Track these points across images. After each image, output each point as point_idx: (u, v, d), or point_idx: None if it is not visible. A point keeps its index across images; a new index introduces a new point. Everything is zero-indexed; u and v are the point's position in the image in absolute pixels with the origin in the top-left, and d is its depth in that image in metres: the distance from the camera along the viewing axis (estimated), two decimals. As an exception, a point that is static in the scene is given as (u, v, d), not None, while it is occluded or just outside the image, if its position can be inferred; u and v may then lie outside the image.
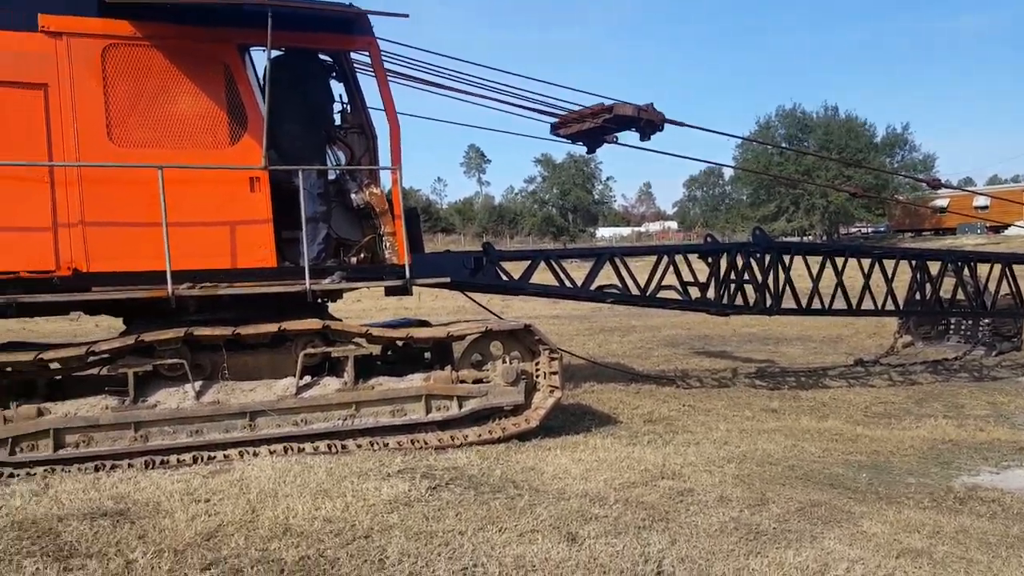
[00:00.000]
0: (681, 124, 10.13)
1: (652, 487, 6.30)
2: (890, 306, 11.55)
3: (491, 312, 9.72)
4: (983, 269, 12.36)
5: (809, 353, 14.60)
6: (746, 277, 10.56)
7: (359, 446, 7.20)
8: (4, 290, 6.51)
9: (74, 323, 15.90)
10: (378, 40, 7.89)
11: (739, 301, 10.65)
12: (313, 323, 7.29)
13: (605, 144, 10.31)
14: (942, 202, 58.67)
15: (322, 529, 5.18)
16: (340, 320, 7.66)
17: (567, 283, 9.89)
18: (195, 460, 6.81)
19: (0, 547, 4.83)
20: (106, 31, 6.89)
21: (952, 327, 14.47)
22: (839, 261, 11.11)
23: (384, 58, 8.04)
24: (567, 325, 18.94)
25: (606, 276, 10.11)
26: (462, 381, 7.69)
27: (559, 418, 8.45)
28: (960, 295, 12.02)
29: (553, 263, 9.85)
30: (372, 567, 4.62)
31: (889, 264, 11.48)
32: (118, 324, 7.74)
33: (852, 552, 4.97)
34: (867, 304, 11.25)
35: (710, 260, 10.58)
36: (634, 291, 10.17)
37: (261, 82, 7.56)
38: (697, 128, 10.47)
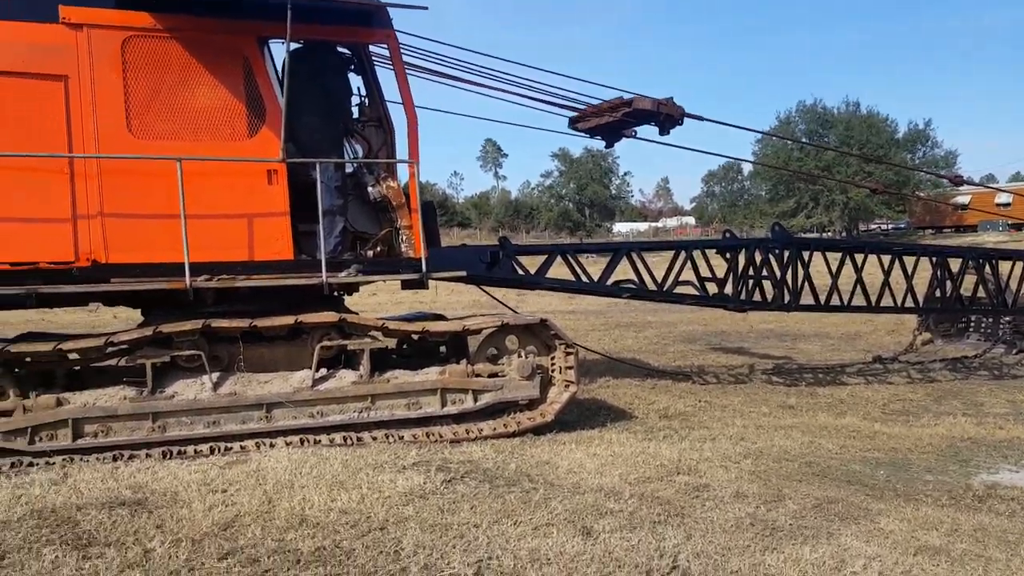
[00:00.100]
0: (700, 118, 10.07)
1: (668, 482, 6.28)
2: (910, 303, 11.45)
3: (507, 307, 9.72)
4: (1004, 267, 12.24)
5: (827, 350, 14.51)
6: (764, 273, 10.50)
7: (374, 438, 7.22)
8: (24, 281, 6.57)
9: (92, 314, 16.01)
10: (396, 32, 7.89)
11: (757, 297, 10.60)
12: (329, 316, 7.31)
13: (623, 138, 10.28)
14: (964, 199, 58.21)
15: (338, 520, 5.20)
16: (356, 313, 7.68)
17: (583, 278, 9.86)
18: (212, 451, 6.86)
19: (20, 535, 4.88)
20: (126, 23, 6.93)
21: (972, 325, 14.34)
22: (859, 257, 11.05)
23: (402, 51, 8.04)
24: (583, 320, 18.91)
25: (622, 271, 10.07)
26: (477, 375, 7.69)
27: (574, 413, 8.44)
28: (981, 292, 11.91)
29: (569, 258, 9.82)
30: (387, 558, 4.63)
31: (909, 261, 11.39)
32: (136, 315, 7.79)
33: (869, 549, 4.93)
34: (886, 301, 11.17)
35: (728, 256, 10.52)
36: (651, 286, 10.14)
37: (280, 75, 7.58)
38: (717, 122, 10.43)
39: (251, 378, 7.17)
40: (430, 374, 7.62)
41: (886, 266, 11.12)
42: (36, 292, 6.58)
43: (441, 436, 7.40)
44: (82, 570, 4.40)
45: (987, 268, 11.89)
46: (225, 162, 7.14)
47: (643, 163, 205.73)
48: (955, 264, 11.69)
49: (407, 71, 8.06)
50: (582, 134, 10.45)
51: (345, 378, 7.37)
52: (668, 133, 9.84)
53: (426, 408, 7.52)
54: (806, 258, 10.65)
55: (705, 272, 10.49)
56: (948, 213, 63.70)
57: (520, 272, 9.51)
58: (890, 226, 73.75)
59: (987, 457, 7.52)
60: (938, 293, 11.85)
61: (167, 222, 6.87)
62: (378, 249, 8.00)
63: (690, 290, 10.42)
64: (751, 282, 10.53)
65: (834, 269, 10.83)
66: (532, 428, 7.70)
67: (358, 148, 8.38)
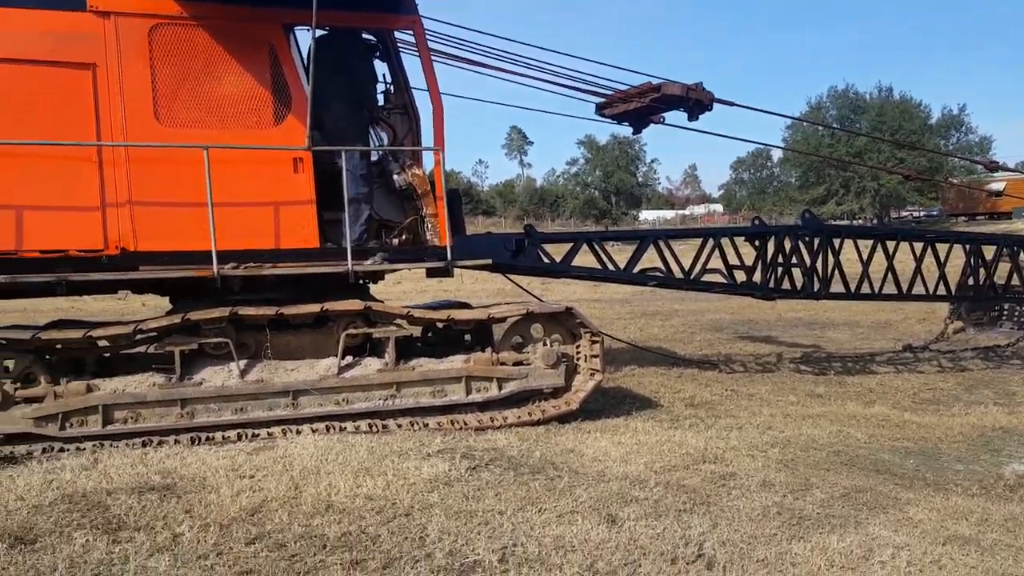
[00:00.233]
0: (731, 104, 9.97)
1: (693, 471, 6.25)
2: (942, 291, 11.31)
3: (532, 295, 9.70)
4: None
5: (856, 338, 14.36)
6: (794, 261, 10.39)
7: (399, 426, 7.25)
8: (54, 268, 6.64)
9: (121, 302, 16.18)
10: (422, 18, 7.87)
11: (786, 285, 10.50)
12: (355, 304, 7.33)
13: (651, 124, 10.20)
14: (998, 185, 57.17)
15: (363, 506, 5.22)
16: (381, 301, 7.69)
17: (609, 266, 9.81)
18: (239, 437, 6.91)
19: (51, 519, 4.95)
20: (153, 10, 6.96)
21: (1005, 313, 14.11)
22: (890, 245, 10.91)
23: (427, 37, 8.02)
24: (608, 309, 18.85)
25: (649, 260, 10.01)
26: (502, 363, 7.68)
27: (599, 401, 8.42)
28: (1015, 280, 11.72)
29: (595, 246, 9.77)
30: (413, 544, 4.65)
31: (942, 248, 11.23)
32: (164, 303, 7.86)
33: (898, 538, 4.89)
34: (918, 289, 11.03)
35: (757, 243, 10.43)
36: (678, 274, 10.07)
37: (305, 62, 7.60)
38: (747, 108, 10.33)
39: (278, 365, 7.21)
40: (455, 362, 7.63)
41: (918, 253, 10.97)
42: (66, 280, 6.65)
43: (466, 424, 7.41)
44: (112, 554, 4.46)
45: (1022, 255, 11.68)
46: (251, 150, 7.17)
47: (670, 150, 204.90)
48: (989, 252, 11.52)
49: (432, 57, 8.04)
50: (609, 120, 10.39)
51: (371, 366, 7.40)
52: (697, 119, 9.75)
53: (451, 396, 7.53)
54: (836, 245, 10.53)
55: (733, 260, 10.40)
56: (982, 200, 62.66)
57: (545, 260, 9.48)
58: (922, 213, 72.81)
59: (1019, 447, 7.42)
60: (971, 281, 11.67)
61: (194, 210, 6.91)
62: (403, 237, 8.01)
63: (718, 278, 10.34)
64: (780, 270, 10.43)
65: (864, 257, 10.70)
66: (557, 416, 7.69)
67: (383, 135, 8.39)
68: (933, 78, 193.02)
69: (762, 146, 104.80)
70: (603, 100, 10.13)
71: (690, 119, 9.75)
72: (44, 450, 6.55)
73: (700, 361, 11.65)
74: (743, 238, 10.64)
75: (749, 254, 10.45)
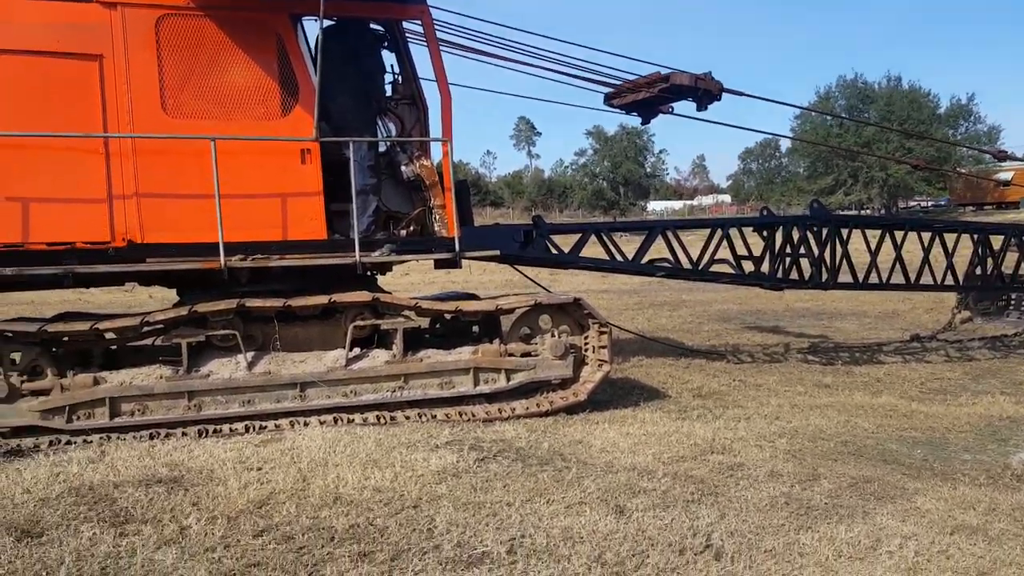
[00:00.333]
0: (740, 93, 9.92)
1: (701, 461, 6.24)
2: (949, 281, 11.26)
3: (539, 286, 9.68)
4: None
5: (864, 328, 14.31)
6: (802, 251, 10.35)
7: (407, 417, 7.25)
8: (61, 260, 6.64)
9: (128, 294, 16.22)
10: (430, 8, 7.84)
11: (794, 275, 10.46)
12: (363, 295, 7.33)
13: (660, 115, 10.15)
14: (1006, 175, 56.90)
15: (371, 498, 5.22)
16: (389, 293, 7.69)
17: (618, 257, 9.78)
18: (247, 429, 6.92)
19: (59, 512, 4.96)
20: (160, 1, 6.94)
21: (1013, 302, 14.05)
22: (898, 235, 10.86)
23: (435, 27, 7.98)
24: (616, 299, 18.83)
25: (657, 250, 9.97)
26: (510, 354, 7.68)
27: (607, 392, 8.41)
28: (1023, 270, 11.65)
29: (604, 236, 9.74)
30: (421, 536, 4.65)
31: (950, 238, 11.18)
32: (171, 295, 7.86)
33: (905, 528, 4.88)
34: (926, 279, 10.98)
35: (765, 234, 10.38)
36: (686, 265, 10.04)
37: (313, 53, 7.57)
38: (755, 97, 10.27)
39: (285, 357, 7.21)
40: (463, 354, 7.62)
41: (926, 243, 10.92)
42: (72, 272, 6.66)
43: (474, 415, 7.41)
44: (119, 547, 4.46)
45: (1030, 245, 11.61)
46: (258, 141, 7.16)
47: (679, 140, 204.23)
48: (996, 242, 11.46)
49: (440, 47, 8.01)
50: (618, 111, 10.35)
51: (378, 357, 7.39)
52: (706, 109, 9.70)
53: (459, 387, 7.53)
54: (844, 236, 10.48)
55: (741, 250, 10.36)
56: (990, 190, 62.29)
57: (554, 251, 9.45)
58: (930, 203, 72.45)
59: (1027, 437, 7.38)
60: (978, 271, 11.61)
61: (201, 202, 6.90)
62: (411, 228, 8.00)
63: (726, 268, 10.30)
64: (788, 260, 10.38)
65: (873, 247, 10.65)
66: (565, 407, 7.68)
67: (391, 126, 8.35)
68: (942, 67, 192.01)
69: (771, 136, 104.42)
70: (612, 90, 10.08)
71: (699, 109, 9.69)
72: (51, 443, 6.57)
73: (708, 351, 11.63)
74: (751, 228, 10.58)
75: (757, 244, 10.40)
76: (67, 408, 6.65)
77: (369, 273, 8.05)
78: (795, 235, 10.35)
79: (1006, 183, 57.02)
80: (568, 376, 7.80)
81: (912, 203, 73.84)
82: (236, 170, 6.99)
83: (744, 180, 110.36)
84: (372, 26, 8.09)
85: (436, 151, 8.13)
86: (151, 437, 6.69)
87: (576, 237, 9.73)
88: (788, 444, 6.82)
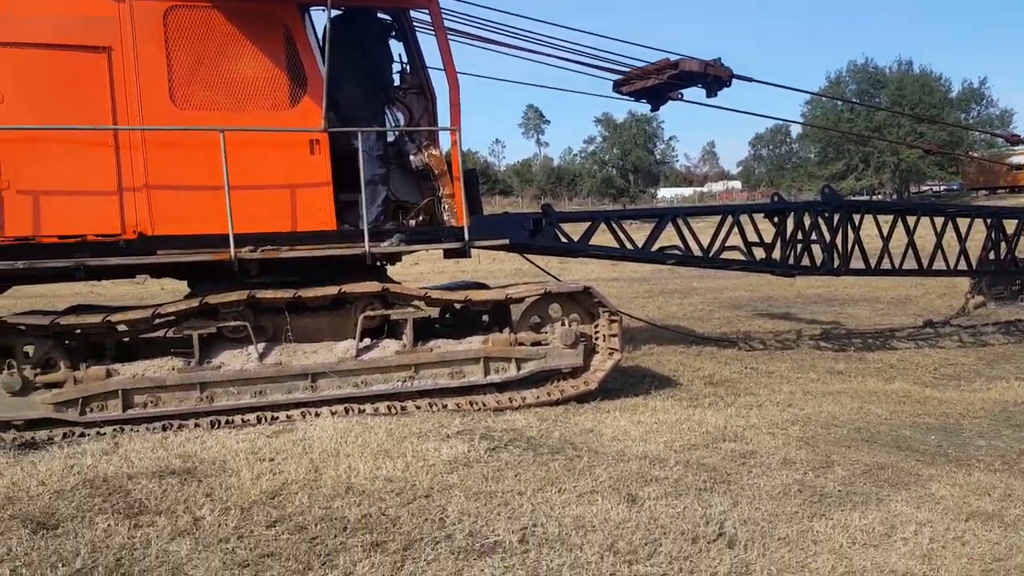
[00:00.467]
0: (749, 79, 9.86)
1: (713, 449, 6.23)
2: (963, 266, 11.19)
3: (549, 274, 9.67)
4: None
5: (876, 314, 14.24)
6: (813, 237, 10.30)
7: (418, 407, 7.25)
8: (72, 253, 6.66)
9: (140, 286, 16.29)
10: None
11: (805, 262, 10.41)
12: (372, 286, 7.33)
13: (669, 101, 10.10)
14: (1019, 159, 56.44)
15: (383, 488, 5.23)
16: (399, 283, 7.69)
17: (628, 245, 9.74)
18: (259, 420, 6.94)
19: (73, 504, 4.99)
20: None
21: (1027, 287, 13.94)
22: (911, 220, 10.80)
23: (443, 15, 7.94)
24: (626, 287, 18.79)
25: (667, 238, 9.94)
26: (520, 343, 7.66)
27: (618, 380, 8.40)
28: (1037, 254, 11.57)
29: (613, 224, 9.71)
30: (433, 526, 4.66)
31: (963, 223, 11.10)
32: (182, 287, 7.88)
33: (920, 515, 4.86)
34: (939, 264, 10.91)
35: (776, 220, 10.33)
36: (696, 252, 10.00)
37: (321, 43, 7.55)
38: (765, 83, 10.21)
39: (296, 348, 7.22)
40: (473, 343, 7.61)
41: (939, 228, 10.85)
42: (84, 264, 6.67)
43: (484, 405, 7.41)
44: (134, 538, 4.48)
45: (1044, 229, 11.51)
46: (267, 132, 7.15)
47: (688, 127, 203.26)
48: (1010, 226, 11.37)
49: (448, 36, 7.98)
50: (627, 98, 10.29)
51: (389, 348, 7.40)
52: (716, 95, 9.64)
53: (469, 377, 7.52)
54: (856, 221, 10.42)
55: (752, 237, 10.31)
56: (1003, 173, 61.82)
57: (563, 240, 9.43)
58: (942, 188, 72.03)
59: (1042, 422, 7.34)
60: (992, 255, 11.53)
61: (211, 193, 6.90)
62: (420, 218, 7.98)
63: (737, 255, 10.26)
64: (799, 247, 10.34)
65: (885, 232, 10.59)
66: (576, 396, 7.67)
67: (399, 116, 8.32)
68: (953, 51, 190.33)
69: (781, 122, 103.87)
70: (620, 77, 10.03)
71: (708, 95, 9.64)
72: (65, 435, 6.59)
73: (719, 339, 11.59)
74: (762, 215, 10.53)
75: (768, 231, 10.35)
76: (80, 400, 6.68)
77: (379, 263, 8.04)
78: (806, 221, 10.30)
79: (1019, 167, 56.52)
80: (579, 365, 7.79)
81: (924, 188, 73.46)
82: (245, 161, 6.98)
83: (754, 166, 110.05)
84: (379, 15, 8.05)
85: (444, 140, 8.12)
86: (164, 429, 6.72)
87: (585, 225, 9.69)
88: (801, 431, 6.80)
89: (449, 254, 8.40)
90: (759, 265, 10.42)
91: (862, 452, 6.27)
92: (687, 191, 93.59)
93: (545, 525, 4.63)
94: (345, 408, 7.14)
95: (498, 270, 20.39)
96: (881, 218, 10.93)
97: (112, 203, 6.77)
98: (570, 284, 8.14)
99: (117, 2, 6.78)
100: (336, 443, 6.15)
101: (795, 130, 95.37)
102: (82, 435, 6.60)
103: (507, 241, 8.40)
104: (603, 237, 9.69)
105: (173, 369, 6.89)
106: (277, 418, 6.99)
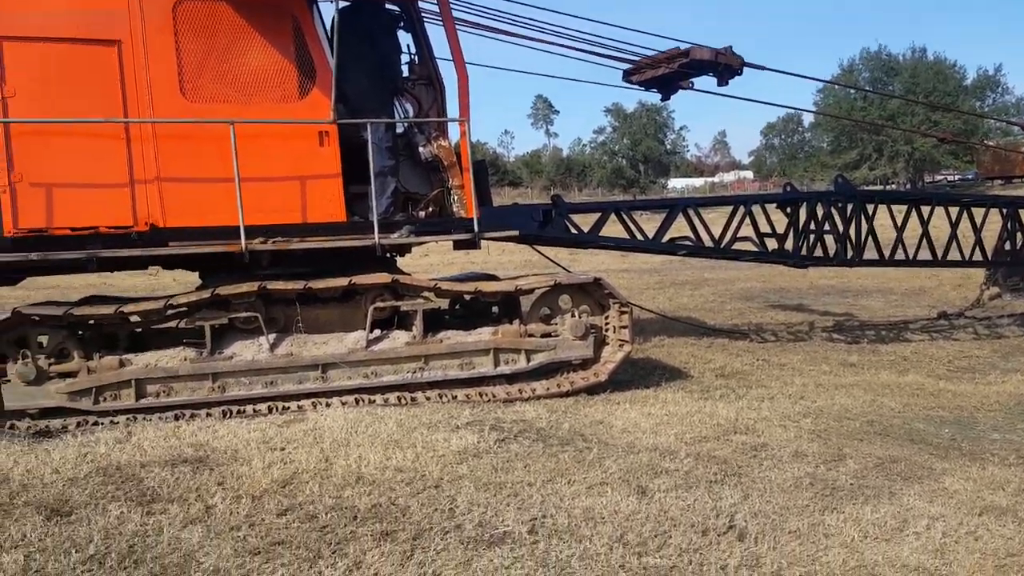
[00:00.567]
0: (761, 67, 9.78)
1: (724, 442, 6.21)
2: (978, 256, 11.11)
3: (559, 266, 9.65)
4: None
5: (890, 306, 14.17)
6: (826, 227, 10.24)
7: (428, 398, 7.26)
8: (85, 245, 6.69)
9: (152, 277, 16.35)
10: None
11: (818, 252, 10.36)
12: (382, 277, 7.33)
13: (680, 90, 10.04)
14: (1035, 147, 56.04)
15: (393, 478, 5.25)
16: (409, 274, 7.69)
17: (638, 236, 9.73)
18: (270, 410, 6.96)
19: (87, 492, 5.04)
20: None
21: (1044, 278, 13.82)
22: (925, 210, 10.72)
23: (451, 5, 7.92)
24: (637, 279, 18.75)
25: (678, 228, 9.91)
26: (530, 335, 7.66)
27: (628, 372, 8.38)
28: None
29: (624, 215, 9.69)
30: (442, 515, 4.67)
31: (978, 213, 11.02)
32: (194, 279, 7.91)
33: (933, 509, 4.83)
34: (953, 254, 10.84)
35: (788, 210, 10.28)
36: (708, 243, 9.96)
37: (329, 34, 7.54)
38: (777, 71, 10.13)
39: (307, 339, 7.24)
40: (483, 334, 7.61)
41: (954, 218, 10.77)
42: (96, 256, 6.70)
43: (494, 396, 7.41)
44: (146, 525, 4.52)
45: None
46: (277, 124, 7.16)
47: (699, 116, 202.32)
48: (1027, 216, 11.28)
49: (456, 26, 7.95)
50: (637, 87, 10.23)
51: (399, 339, 7.41)
52: (727, 84, 9.57)
53: (479, 368, 7.52)
54: (870, 211, 10.36)
55: (764, 227, 10.26)
56: (1018, 162, 61.35)
57: (573, 231, 9.41)
58: (956, 177, 71.53)
59: (1058, 415, 7.29)
60: (1008, 246, 11.44)
61: (221, 185, 6.91)
62: (430, 209, 7.97)
63: (749, 246, 10.21)
64: (812, 237, 10.28)
65: (899, 222, 10.53)
66: (586, 388, 7.67)
67: (408, 107, 8.32)
68: (968, 37, 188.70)
69: (793, 110, 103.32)
70: (631, 66, 9.98)
71: (720, 84, 9.58)
72: (79, 424, 6.64)
73: (730, 331, 11.55)
74: (774, 205, 10.48)
75: (780, 221, 10.30)
76: (94, 390, 6.72)
77: (388, 255, 8.05)
78: (819, 211, 10.25)
79: (1035, 155, 56.11)
80: (589, 356, 7.78)
81: (939, 177, 72.98)
82: (255, 153, 6.99)
83: (766, 156, 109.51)
84: (387, 6, 8.03)
85: (453, 131, 8.11)
86: (176, 418, 6.76)
87: (596, 216, 9.68)
88: (813, 424, 6.77)
89: (459, 245, 8.39)
90: (771, 256, 10.37)
91: (875, 445, 6.24)
92: (698, 181, 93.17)
93: (555, 516, 4.64)
94: (355, 398, 7.17)
95: (508, 261, 20.38)
96: (895, 208, 10.86)
97: (124, 195, 6.79)
98: (580, 275, 8.12)
99: None
100: (346, 433, 6.18)
101: (807, 119, 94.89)
102: (95, 424, 6.65)
103: (517, 232, 8.39)
104: (613, 228, 9.67)
105: (185, 359, 6.92)
106: (288, 408, 7.01)
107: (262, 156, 7.06)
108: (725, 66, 9.37)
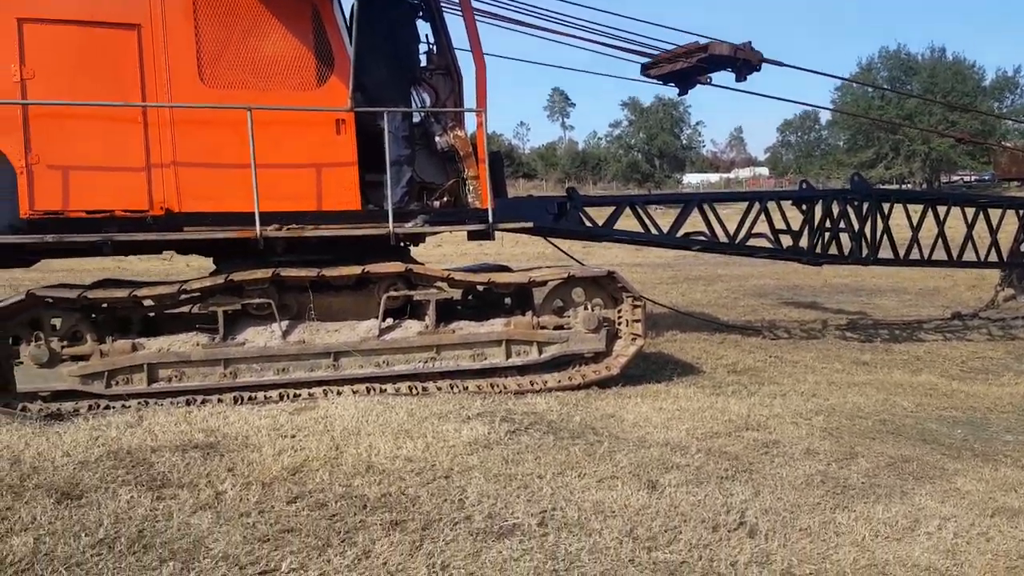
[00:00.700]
0: (780, 64, 9.73)
1: (736, 438, 6.19)
2: (993, 257, 11.04)
3: (573, 258, 9.62)
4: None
5: (904, 305, 14.10)
6: (842, 225, 10.18)
7: (439, 388, 7.26)
8: (100, 229, 6.70)
9: (166, 262, 16.42)
10: None
11: (833, 250, 10.31)
12: (396, 266, 7.33)
13: (698, 85, 10.00)
14: (1054, 150, 55.54)
15: (403, 468, 5.25)
16: (422, 264, 7.68)
17: (652, 230, 9.69)
18: (281, 397, 6.97)
19: (97, 475, 5.05)
20: None
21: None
22: (941, 210, 10.65)
23: None
24: (650, 273, 18.71)
25: (692, 224, 9.87)
26: (543, 327, 7.64)
27: (640, 366, 8.36)
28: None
29: (639, 209, 9.65)
30: (452, 506, 4.67)
31: (994, 214, 10.95)
32: (208, 264, 7.92)
33: (944, 509, 4.81)
34: (969, 255, 10.78)
35: (804, 207, 10.23)
36: (722, 239, 9.92)
37: (348, 22, 7.53)
38: (795, 68, 10.07)
39: (319, 327, 7.24)
40: (495, 325, 7.60)
41: (969, 219, 10.70)
42: (112, 240, 6.72)
43: (505, 387, 7.40)
44: (156, 510, 4.53)
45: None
46: (294, 112, 7.15)
47: (715, 112, 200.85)
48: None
49: (475, 17, 7.92)
50: (655, 81, 10.20)
51: (411, 328, 7.40)
52: (745, 79, 9.54)
53: (491, 359, 7.52)
54: (886, 210, 10.30)
55: (779, 224, 10.22)
56: (1036, 164, 60.93)
57: (587, 224, 9.39)
58: (973, 178, 71.03)
59: (1072, 418, 7.23)
60: (1024, 247, 11.37)
61: (237, 171, 6.91)
62: (445, 199, 7.95)
63: (763, 243, 10.17)
64: (827, 235, 10.23)
65: (915, 222, 10.47)
66: (597, 381, 7.65)
67: (426, 97, 8.30)
68: (987, 38, 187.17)
69: (811, 107, 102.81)
70: (649, 61, 9.94)
71: (738, 80, 9.53)
72: (90, 407, 6.66)
73: (743, 327, 11.52)
74: (790, 202, 10.43)
75: (796, 218, 10.26)
76: (106, 373, 6.74)
77: (402, 244, 8.04)
78: (835, 209, 10.20)
79: (1053, 158, 55.61)
80: (601, 350, 7.76)
81: (955, 178, 72.53)
82: (271, 140, 6.99)
83: (782, 153, 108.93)
84: (408, -5, 8.01)
85: (470, 122, 8.08)
86: (188, 403, 6.77)
87: (610, 210, 9.65)
88: (825, 422, 6.74)
89: (473, 236, 8.37)
90: (786, 253, 10.33)
91: (887, 444, 6.21)
92: (713, 177, 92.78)
93: (565, 509, 4.62)
94: (367, 387, 7.16)
95: (521, 253, 20.37)
96: (911, 207, 10.79)
97: (140, 179, 6.79)
98: (594, 268, 8.09)
99: None
100: (357, 422, 6.18)
101: (824, 117, 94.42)
102: (107, 408, 6.67)
103: (531, 224, 8.36)
104: (628, 222, 9.63)
105: (198, 345, 6.93)
106: (299, 395, 7.02)
107: (279, 143, 7.05)
108: (744, 61, 9.33)
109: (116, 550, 4.05)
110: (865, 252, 10.21)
